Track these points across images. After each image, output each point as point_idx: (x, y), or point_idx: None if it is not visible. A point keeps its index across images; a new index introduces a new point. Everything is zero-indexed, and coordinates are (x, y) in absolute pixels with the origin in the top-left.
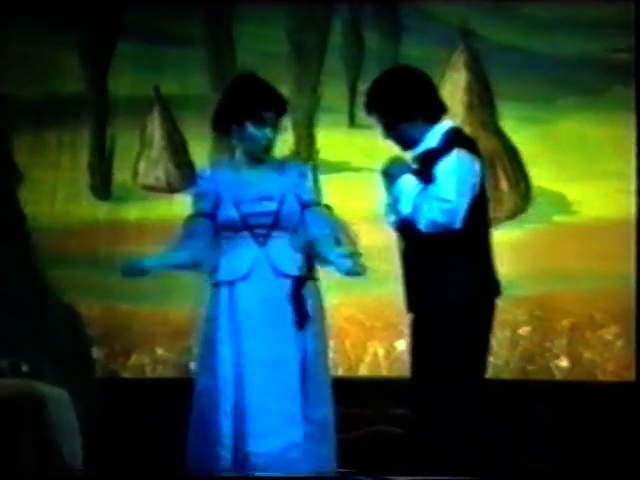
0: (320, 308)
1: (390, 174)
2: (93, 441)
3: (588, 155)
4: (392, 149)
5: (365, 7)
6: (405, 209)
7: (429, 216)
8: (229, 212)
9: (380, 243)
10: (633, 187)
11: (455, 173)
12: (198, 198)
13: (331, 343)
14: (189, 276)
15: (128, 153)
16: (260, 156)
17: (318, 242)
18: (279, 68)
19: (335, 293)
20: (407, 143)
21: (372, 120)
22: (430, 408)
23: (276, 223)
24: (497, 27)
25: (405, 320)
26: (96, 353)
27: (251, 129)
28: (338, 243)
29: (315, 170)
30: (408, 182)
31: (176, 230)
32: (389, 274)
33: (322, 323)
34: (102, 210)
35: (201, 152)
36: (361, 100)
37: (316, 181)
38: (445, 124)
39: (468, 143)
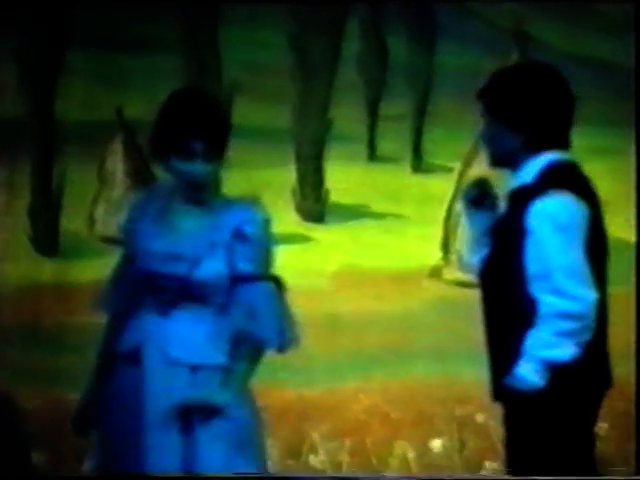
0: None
1: (474, 203)
2: None
3: None
4: (425, 188)
5: (388, 5)
6: (533, 377)
7: (553, 355)
8: (139, 264)
9: (410, 308)
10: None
11: (561, 240)
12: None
13: (346, 442)
14: None
15: (82, 194)
16: (195, 196)
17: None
18: (278, 83)
19: (351, 376)
20: (502, 159)
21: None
22: None
23: (185, 292)
24: (561, 30)
25: (444, 411)
26: (37, 457)
27: (176, 163)
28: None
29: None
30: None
31: None
32: (421, 349)
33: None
34: (47, 269)
35: None
36: (384, 126)
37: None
38: (550, 154)
39: (574, 182)
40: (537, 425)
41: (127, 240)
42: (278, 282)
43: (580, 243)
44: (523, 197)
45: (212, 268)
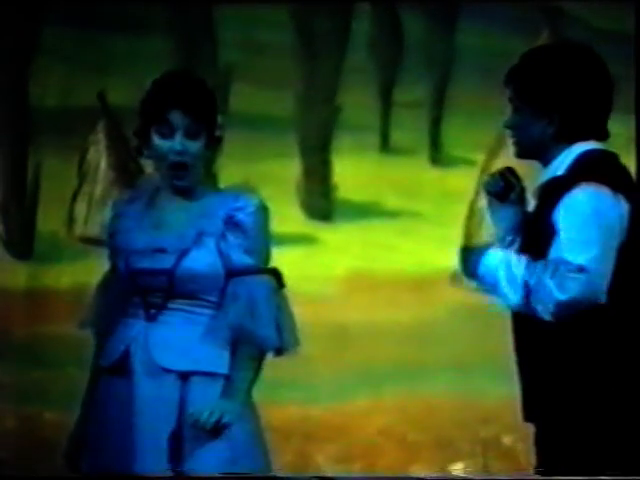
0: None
1: (497, 197)
2: None
3: None
4: (444, 183)
5: None
6: (512, 296)
7: (558, 295)
8: (123, 266)
9: (428, 317)
10: None
11: (586, 222)
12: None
13: (356, 466)
14: None
15: (60, 190)
16: (174, 181)
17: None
18: (279, 66)
19: (362, 393)
20: (530, 150)
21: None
22: None
23: (171, 289)
24: (600, 7)
25: (466, 433)
26: None
27: (156, 141)
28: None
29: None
30: (498, 258)
31: None
32: (441, 363)
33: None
34: (20, 273)
35: None
36: (399, 113)
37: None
38: (582, 145)
39: (610, 173)
40: (576, 448)
41: (111, 244)
42: (277, 276)
43: (611, 243)
44: (553, 191)
45: (201, 260)
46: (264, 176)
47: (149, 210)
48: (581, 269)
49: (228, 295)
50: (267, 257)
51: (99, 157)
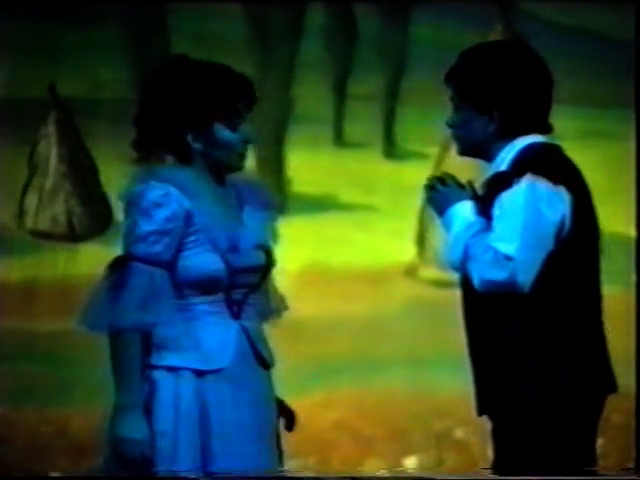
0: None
1: (434, 202)
2: None
3: None
4: (398, 176)
5: None
6: (452, 253)
7: (483, 273)
8: (210, 263)
9: (382, 311)
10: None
11: (522, 213)
12: (155, 236)
13: (310, 460)
14: (105, 360)
15: (10, 183)
16: (236, 164)
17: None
18: (233, 58)
19: (316, 387)
20: (473, 148)
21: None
22: None
23: (260, 284)
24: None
25: (420, 426)
26: None
27: (220, 132)
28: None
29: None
30: (462, 214)
31: (90, 294)
32: (395, 357)
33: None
34: None
35: (118, 180)
36: (353, 106)
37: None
38: (524, 139)
39: (551, 166)
40: (532, 439)
41: (173, 240)
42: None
43: (544, 234)
44: (495, 186)
45: (274, 253)
46: None
47: (207, 203)
48: (508, 258)
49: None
50: None
51: (50, 149)
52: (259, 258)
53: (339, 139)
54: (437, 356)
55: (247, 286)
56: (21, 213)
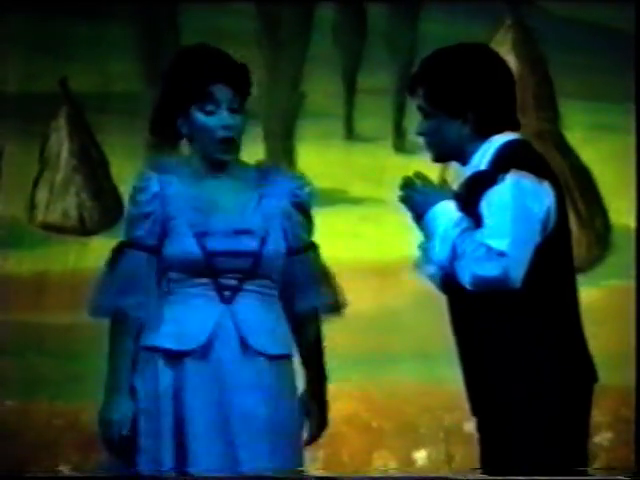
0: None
1: (412, 202)
2: None
3: None
4: (408, 170)
5: None
6: (440, 252)
7: (475, 270)
8: (187, 247)
9: (391, 305)
10: None
11: (510, 208)
12: (137, 220)
13: (320, 454)
14: (106, 355)
15: (21, 177)
16: (220, 157)
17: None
18: (243, 53)
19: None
20: (448, 152)
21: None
22: None
23: (254, 270)
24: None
25: (429, 419)
26: None
27: (199, 116)
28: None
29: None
30: (446, 213)
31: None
32: (404, 350)
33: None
34: None
35: (129, 174)
36: (363, 100)
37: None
38: (500, 137)
39: (532, 160)
40: (522, 438)
41: (155, 225)
42: (315, 249)
43: (533, 230)
44: (478, 185)
45: (279, 240)
46: None
47: (203, 189)
48: (501, 254)
49: (293, 274)
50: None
51: (61, 144)
52: (244, 244)
53: (349, 133)
54: (446, 350)
55: (237, 271)
56: (32, 207)
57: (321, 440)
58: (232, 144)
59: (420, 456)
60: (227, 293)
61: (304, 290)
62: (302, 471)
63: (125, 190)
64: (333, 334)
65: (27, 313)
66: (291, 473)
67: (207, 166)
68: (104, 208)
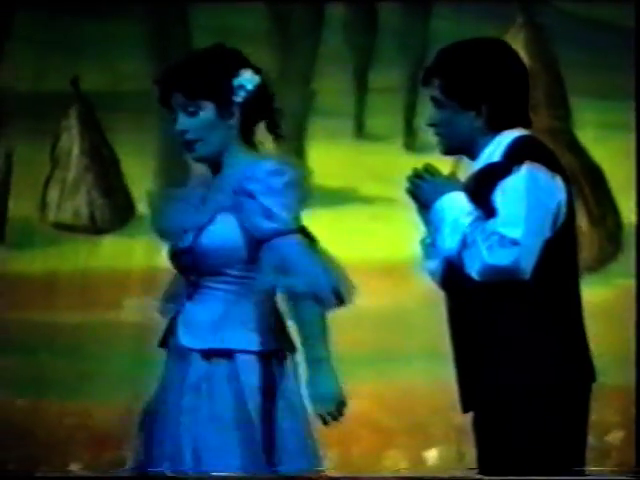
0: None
1: (421, 191)
2: None
3: None
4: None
5: None
6: (449, 242)
7: (486, 258)
8: (170, 246)
9: (402, 303)
10: None
11: (525, 199)
12: None
13: (331, 453)
14: (126, 352)
15: (32, 176)
16: (191, 158)
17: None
18: (253, 52)
19: None
20: (459, 145)
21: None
22: None
23: (194, 267)
24: None
25: (440, 419)
26: None
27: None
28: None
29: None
30: (456, 203)
31: (107, 288)
32: (415, 349)
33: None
34: None
35: (141, 172)
36: (374, 99)
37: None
38: (511, 132)
39: (544, 155)
40: (520, 435)
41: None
42: (305, 233)
43: (545, 222)
44: (490, 176)
45: (217, 234)
46: None
47: (196, 190)
48: (514, 242)
49: (258, 263)
50: (294, 217)
51: (72, 142)
52: (186, 241)
53: (360, 132)
54: None
55: (188, 269)
56: (43, 206)
57: (332, 439)
58: (192, 145)
59: (431, 455)
60: (190, 290)
61: (289, 274)
62: (322, 471)
63: (136, 189)
64: (344, 334)
65: (38, 312)
66: (309, 473)
67: (204, 166)
68: (115, 207)
